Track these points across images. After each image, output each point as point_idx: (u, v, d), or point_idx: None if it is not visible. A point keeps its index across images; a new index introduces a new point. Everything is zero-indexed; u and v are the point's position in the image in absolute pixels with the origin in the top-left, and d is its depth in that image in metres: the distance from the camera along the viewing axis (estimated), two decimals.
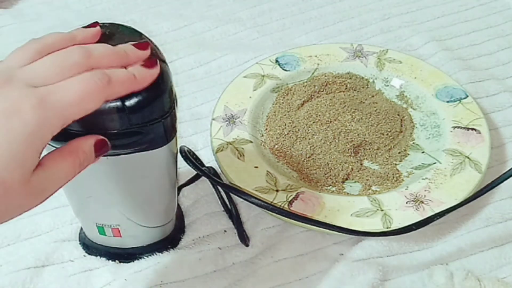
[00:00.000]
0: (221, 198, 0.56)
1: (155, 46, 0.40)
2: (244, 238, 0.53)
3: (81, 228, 0.53)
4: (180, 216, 0.55)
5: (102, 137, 0.37)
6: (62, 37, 0.37)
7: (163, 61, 0.39)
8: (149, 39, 0.41)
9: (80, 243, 0.53)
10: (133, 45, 0.38)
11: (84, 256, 0.52)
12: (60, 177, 0.34)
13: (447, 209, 0.50)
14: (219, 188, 0.56)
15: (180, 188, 0.56)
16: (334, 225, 0.49)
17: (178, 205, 0.55)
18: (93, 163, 0.37)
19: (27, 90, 0.32)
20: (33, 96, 0.31)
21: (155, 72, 0.37)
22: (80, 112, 0.34)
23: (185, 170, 0.57)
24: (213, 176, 0.52)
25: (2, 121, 0.31)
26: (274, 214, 0.51)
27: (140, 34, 0.41)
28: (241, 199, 0.55)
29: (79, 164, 0.35)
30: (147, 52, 0.38)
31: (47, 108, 0.32)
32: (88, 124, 0.37)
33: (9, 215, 0.32)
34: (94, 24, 0.39)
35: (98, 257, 0.52)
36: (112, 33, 0.40)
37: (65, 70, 0.34)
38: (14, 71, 0.33)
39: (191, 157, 0.51)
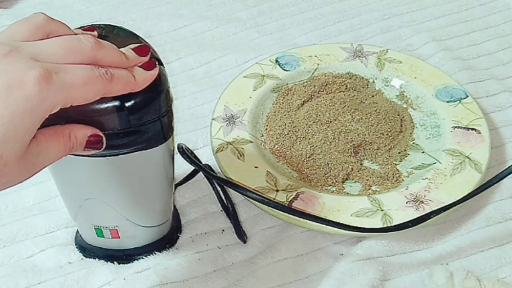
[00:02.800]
0: (217, 193, 0.56)
1: (151, 47, 0.41)
2: (241, 235, 0.53)
3: (77, 232, 0.53)
4: (176, 215, 0.55)
5: (99, 133, 0.37)
6: (65, 26, 0.37)
7: (159, 62, 0.40)
8: (145, 41, 0.41)
9: (76, 247, 0.53)
10: (134, 50, 0.38)
11: (82, 259, 0.52)
12: (50, 156, 0.35)
13: (443, 207, 0.50)
14: (215, 184, 0.55)
15: (175, 186, 0.56)
16: (333, 221, 0.49)
17: (174, 204, 0.55)
18: (81, 153, 0.37)
19: (32, 63, 0.32)
20: (38, 68, 0.31)
21: (154, 74, 0.38)
22: (80, 97, 0.34)
23: (180, 172, 0.57)
24: (208, 170, 0.52)
25: (5, 93, 0.31)
26: (272, 209, 0.51)
27: (137, 36, 0.41)
28: (239, 199, 0.56)
29: (69, 149, 0.36)
30: (147, 58, 0.39)
31: (51, 83, 0.32)
32: (88, 125, 0.37)
33: None
34: (92, 28, 0.40)
35: (96, 259, 0.52)
36: (107, 35, 0.40)
37: (72, 54, 0.34)
38: (19, 43, 0.33)
39: (188, 154, 0.52)
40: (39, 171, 0.34)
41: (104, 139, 0.38)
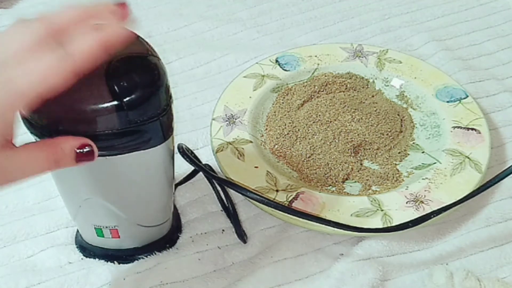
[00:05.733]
0: (217, 193, 0.56)
1: (150, 46, 0.41)
2: (242, 235, 0.53)
3: (77, 231, 0.53)
4: (176, 215, 0.55)
5: (89, 143, 0.36)
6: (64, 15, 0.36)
7: (157, 58, 0.40)
8: (145, 41, 0.41)
9: (76, 247, 0.53)
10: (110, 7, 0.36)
11: (82, 259, 0.52)
12: (30, 166, 0.34)
13: (443, 207, 0.50)
14: (216, 184, 0.55)
15: (175, 186, 0.56)
16: (333, 221, 0.49)
17: (174, 204, 0.55)
18: (76, 166, 0.36)
19: None
20: None
21: (126, 15, 0.35)
22: (45, 90, 0.33)
23: (180, 172, 0.57)
24: (209, 170, 0.52)
25: None
26: (273, 209, 0.51)
27: (137, 36, 0.41)
28: (239, 199, 0.56)
29: (54, 161, 0.35)
30: (124, 8, 0.36)
31: (8, 90, 0.32)
32: (87, 125, 0.37)
33: None
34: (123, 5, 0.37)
35: (96, 259, 0.52)
36: None
37: (33, 46, 0.33)
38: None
39: (188, 154, 0.52)
40: (16, 181, 0.34)
41: (95, 149, 0.37)
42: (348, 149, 0.59)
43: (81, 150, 0.36)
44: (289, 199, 0.53)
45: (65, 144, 0.35)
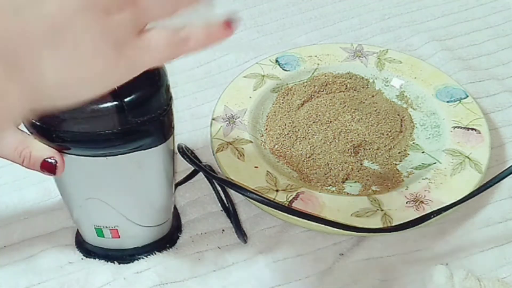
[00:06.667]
0: (217, 193, 0.56)
1: None
2: (242, 235, 0.53)
3: (77, 231, 0.53)
4: (176, 215, 0.55)
5: (57, 158, 0.38)
6: None
7: None
8: None
9: (76, 247, 0.53)
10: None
11: (82, 259, 0.52)
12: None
13: (443, 207, 0.50)
14: (216, 184, 0.55)
15: (175, 186, 0.56)
16: (333, 221, 0.49)
17: (174, 203, 0.55)
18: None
19: None
20: None
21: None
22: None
23: (180, 172, 0.57)
24: (209, 170, 0.52)
25: None
26: (273, 209, 0.51)
27: None
28: (240, 199, 0.56)
29: (18, 158, 0.37)
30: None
31: None
32: (87, 125, 0.37)
33: None
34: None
35: (97, 259, 0.52)
36: None
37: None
38: None
39: (188, 154, 0.52)
40: None
41: (60, 166, 0.38)
42: (348, 149, 0.59)
43: (49, 160, 0.38)
44: (289, 199, 0.53)
45: (36, 151, 0.37)
